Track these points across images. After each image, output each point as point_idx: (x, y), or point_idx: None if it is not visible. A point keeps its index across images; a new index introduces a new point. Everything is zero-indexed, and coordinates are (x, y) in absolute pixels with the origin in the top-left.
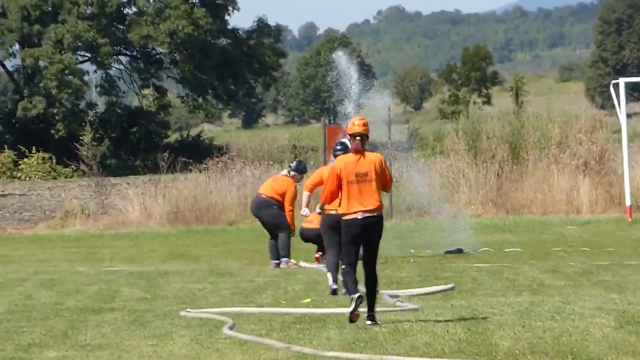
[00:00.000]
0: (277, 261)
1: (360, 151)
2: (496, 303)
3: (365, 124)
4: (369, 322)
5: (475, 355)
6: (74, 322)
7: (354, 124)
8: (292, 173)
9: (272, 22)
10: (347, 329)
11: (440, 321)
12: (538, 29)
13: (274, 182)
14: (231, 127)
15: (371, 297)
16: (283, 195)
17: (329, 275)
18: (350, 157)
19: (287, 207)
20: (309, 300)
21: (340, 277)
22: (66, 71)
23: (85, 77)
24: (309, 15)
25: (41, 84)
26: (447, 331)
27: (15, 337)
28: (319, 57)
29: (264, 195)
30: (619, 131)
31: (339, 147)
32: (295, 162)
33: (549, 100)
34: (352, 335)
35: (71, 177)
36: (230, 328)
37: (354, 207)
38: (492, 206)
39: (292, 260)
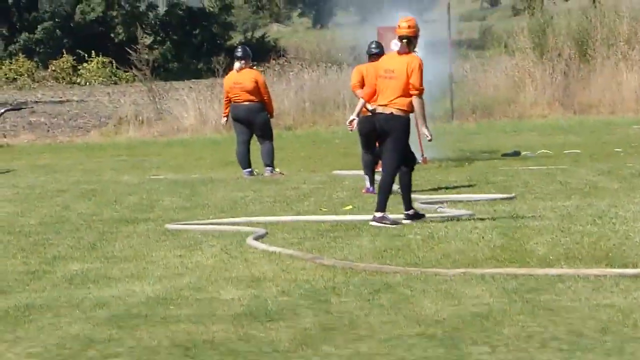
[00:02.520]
0: (250, 169)
1: (402, 53)
2: (542, 207)
3: (410, 26)
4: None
5: (507, 262)
6: (104, 234)
7: (400, 26)
8: (244, 63)
9: None
10: (381, 236)
11: (478, 227)
12: None
13: (242, 83)
14: (301, 27)
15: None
16: (259, 90)
17: (366, 177)
18: (389, 55)
19: (266, 96)
20: (350, 207)
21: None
22: None
23: None
24: None
25: None
26: (483, 237)
27: (42, 250)
28: None
29: (246, 102)
30: None
31: (373, 46)
32: (240, 50)
33: None
34: (385, 243)
35: (132, 81)
36: (259, 238)
37: (378, 101)
38: (559, 106)
39: (277, 169)
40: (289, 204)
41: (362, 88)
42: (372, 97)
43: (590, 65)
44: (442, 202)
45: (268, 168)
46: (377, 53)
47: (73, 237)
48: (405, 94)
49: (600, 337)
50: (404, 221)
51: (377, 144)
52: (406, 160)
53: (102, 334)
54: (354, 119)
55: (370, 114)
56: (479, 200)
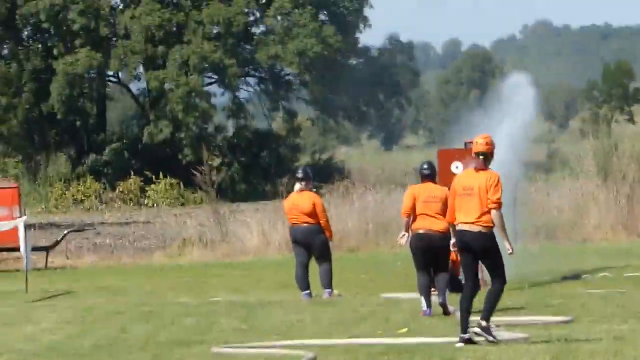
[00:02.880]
0: (308, 291)
1: (480, 169)
2: (597, 330)
3: (487, 142)
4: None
5: None
6: (157, 356)
7: (477, 143)
8: (304, 184)
9: (405, 39)
10: (434, 359)
11: (530, 350)
12: None
13: (300, 206)
14: (369, 149)
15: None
16: (316, 213)
17: (422, 299)
18: (467, 172)
19: (323, 219)
20: (405, 329)
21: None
22: (192, 94)
23: (213, 100)
24: (454, 30)
25: (167, 108)
26: (534, 359)
27: None
28: (460, 74)
29: (304, 224)
30: None
31: (425, 167)
32: (300, 172)
33: None
34: None
35: (200, 203)
36: None
37: (458, 219)
38: (622, 230)
39: (336, 291)
40: (345, 327)
41: (412, 214)
42: (452, 217)
43: None
44: (497, 325)
45: (327, 290)
46: (428, 175)
47: (126, 359)
48: (489, 210)
49: None
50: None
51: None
52: (452, 285)
53: None
54: (404, 234)
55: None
56: (535, 324)
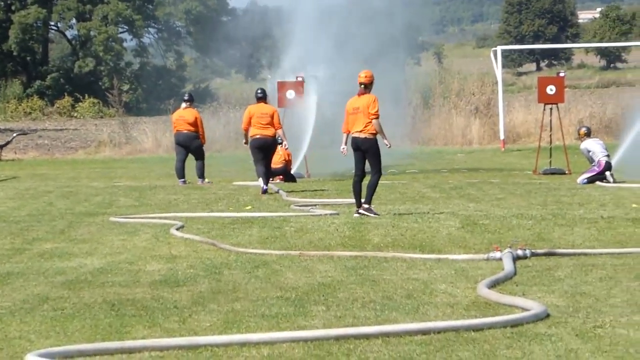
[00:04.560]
0: (184, 179)
1: (361, 94)
2: (384, 210)
3: (367, 76)
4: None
5: (352, 247)
6: (72, 223)
7: (360, 76)
8: (189, 104)
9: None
10: (266, 228)
11: (335, 222)
12: (464, 9)
13: (185, 117)
14: (235, 80)
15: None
16: (196, 124)
17: (260, 180)
18: (354, 97)
19: (201, 129)
20: (249, 207)
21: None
22: (110, 39)
23: (124, 44)
24: None
25: (92, 49)
26: (337, 229)
27: (26, 234)
28: None
29: (186, 131)
30: (510, 84)
31: (259, 92)
32: (186, 95)
33: (468, 62)
34: (268, 233)
35: (113, 116)
36: (179, 228)
37: (352, 130)
38: (407, 139)
39: (207, 180)
40: (207, 204)
41: (249, 127)
42: (346, 129)
43: (431, 111)
44: (314, 205)
45: (200, 179)
46: (261, 97)
47: (49, 224)
48: (370, 121)
49: (404, 301)
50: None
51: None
52: (286, 178)
53: (56, 294)
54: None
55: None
56: (340, 204)
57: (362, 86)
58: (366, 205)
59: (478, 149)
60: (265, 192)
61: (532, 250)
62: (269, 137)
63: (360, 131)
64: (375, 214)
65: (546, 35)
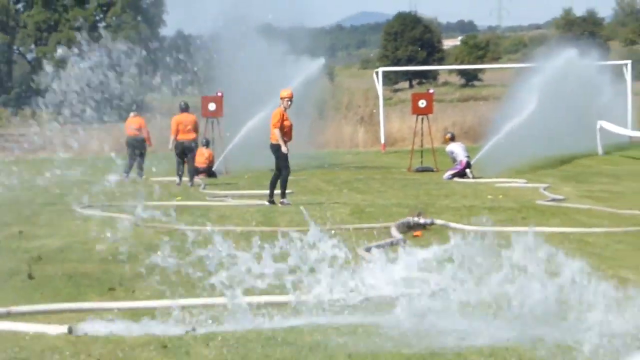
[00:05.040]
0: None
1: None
2: (289, 199)
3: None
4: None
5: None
6: (35, 211)
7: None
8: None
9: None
10: (194, 215)
11: (250, 210)
12: (350, 38)
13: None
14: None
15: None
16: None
17: (177, 177)
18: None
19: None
20: (179, 197)
21: None
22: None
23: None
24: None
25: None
26: (252, 216)
27: None
28: None
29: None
30: (389, 99)
31: (182, 104)
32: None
33: (354, 81)
34: (192, 218)
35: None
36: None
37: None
38: (305, 143)
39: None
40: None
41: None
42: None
43: (326, 121)
44: (227, 196)
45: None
46: (184, 109)
47: (17, 212)
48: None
49: None
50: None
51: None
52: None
53: (24, 268)
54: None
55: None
56: (255, 195)
57: (290, 102)
58: (283, 200)
59: (363, 151)
60: (179, 184)
61: (433, 220)
62: (192, 141)
63: (271, 139)
64: (288, 203)
65: (417, 58)
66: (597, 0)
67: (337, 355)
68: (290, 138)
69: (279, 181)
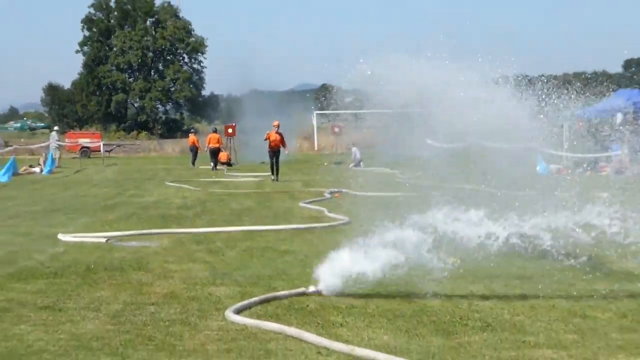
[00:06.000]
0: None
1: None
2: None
3: (277, 125)
4: None
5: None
6: (141, 182)
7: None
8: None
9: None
10: (222, 184)
11: (250, 182)
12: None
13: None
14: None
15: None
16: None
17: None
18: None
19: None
20: (214, 176)
21: None
22: None
23: None
24: None
25: None
26: (251, 184)
27: (121, 187)
28: None
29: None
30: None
31: (214, 128)
32: (213, 128)
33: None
34: (221, 185)
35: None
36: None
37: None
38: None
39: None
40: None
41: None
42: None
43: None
44: (237, 175)
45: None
46: (215, 130)
47: (132, 183)
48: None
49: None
50: None
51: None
52: None
53: (138, 212)
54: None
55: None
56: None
57: (275, 127)
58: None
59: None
60: (213, 170)
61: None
62: (217, 147)
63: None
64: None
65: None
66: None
67: None
68: (277, 145)
69: (273, 168)
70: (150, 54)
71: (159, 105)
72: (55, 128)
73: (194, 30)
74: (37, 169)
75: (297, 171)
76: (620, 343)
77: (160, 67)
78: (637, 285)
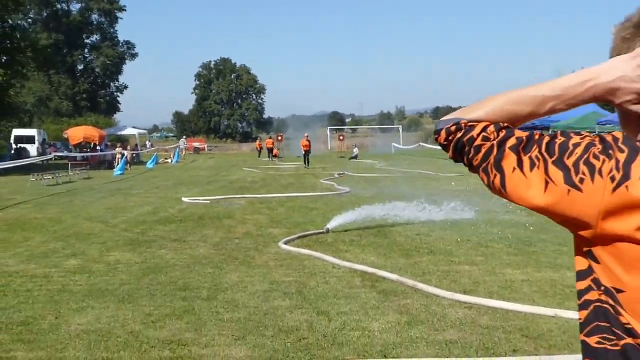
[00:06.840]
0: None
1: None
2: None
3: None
4: None
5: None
6: (229, 168)
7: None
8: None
9: None
10: (274, 168)
11: (291, 169)
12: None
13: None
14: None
15: None
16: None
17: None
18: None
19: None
20: (270, 165)
21: None
22: None
23: None
24: None
25: None
26: (292, 170)
27: (216, 171)
28: None
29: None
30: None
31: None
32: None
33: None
34: (274, 170)
35: None
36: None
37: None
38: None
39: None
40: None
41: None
42: None
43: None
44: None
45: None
46: (269, 137)
47: (223, 168)
48: None
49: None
50: None
51: None
52: None
53: (226, 185)
54: None
55: None
56: (293, 165)
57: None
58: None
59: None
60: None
61: (345, 172)
62: (272, 147)
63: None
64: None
65: None
66: None
67: None
68: (306, 147)
69: (305, 160)
70: (234, 94)
71: (238, 123)
72: (183, 137)
73: (258, 80)
74: (169, 160)
75: (319, 162)
76: (508, 262)
77: (239, 101)
78: (515, 230)
